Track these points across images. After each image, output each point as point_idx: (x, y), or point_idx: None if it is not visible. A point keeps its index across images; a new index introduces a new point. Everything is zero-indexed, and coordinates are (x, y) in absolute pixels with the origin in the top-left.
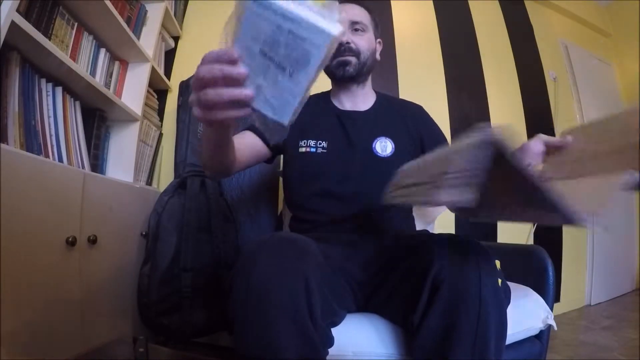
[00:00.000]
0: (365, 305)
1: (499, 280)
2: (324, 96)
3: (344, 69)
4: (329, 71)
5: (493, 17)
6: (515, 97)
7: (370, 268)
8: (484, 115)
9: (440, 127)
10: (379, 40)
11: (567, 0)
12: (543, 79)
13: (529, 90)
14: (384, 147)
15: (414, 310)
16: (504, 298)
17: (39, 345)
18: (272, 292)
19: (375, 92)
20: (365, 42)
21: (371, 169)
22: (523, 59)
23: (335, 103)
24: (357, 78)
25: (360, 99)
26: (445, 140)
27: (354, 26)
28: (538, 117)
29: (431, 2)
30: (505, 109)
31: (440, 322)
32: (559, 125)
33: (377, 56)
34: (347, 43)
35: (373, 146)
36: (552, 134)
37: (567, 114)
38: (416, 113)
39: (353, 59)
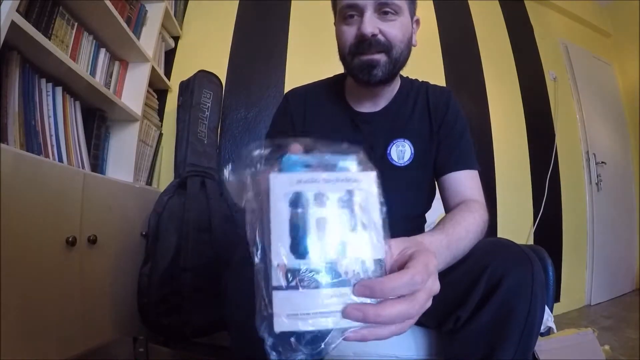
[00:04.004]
0: None
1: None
2: (337, 90)
3: (369, 73)
4: (349, 71)
5: (493, 17)
6: (515, 97)
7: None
8: (484, 115)
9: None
10: (416, 18)
11: (567, 0)
12: (543, 79)
13: (529, 90)
14: (401, 152)
15: (460, 306)
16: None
17: (39, 345)
18: None
19: (400, 76)
20: (399, 30)
21: (385, 181)
22: (523, 59)
23: (351, 102)
24: (386, 81)
25: (384, 98)
26: (463, 150)
27: (383, 8)
28: (538, 117)
29: (431, 2)
30: (505, 109)
31: (495, 315)
32: (559, 125)
33: (414, 41)
34: (374, 35)
35: (388, 152)
36: (552, 134)
37: (567, 114)
38: (439, 103)
39: (382, 58)
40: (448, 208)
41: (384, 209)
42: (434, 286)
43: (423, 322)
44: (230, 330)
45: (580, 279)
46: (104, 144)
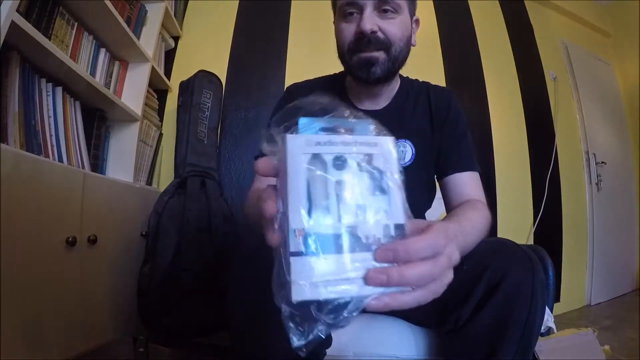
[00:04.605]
0: None
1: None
2: (338, 87)
3: (368, 71)
4: (348, 69)
5: (493, 17)
6: (515, 97)
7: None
8: (484, 115)
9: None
10: (415, 18)
11: (567, 0)
12: (543, 79)
13: (529, 90)
14: (402, 153)
15: (461, 305)
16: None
17: (39, 345)
18: (266, 293)
19: (399, 76)
20: (398, 29)
21: None
22: (523, 59)
23: (352, 99)
24: (385, 79)
25: (384, 97)
26: (465, 151)
27: (382, 6)
28: (538, 117)
29: (431, 2)
30: (505, 109)
31: (496, 315)
32: (559, 125)
33: (413, 41)
34: (373, 32)
35: None
36: (552, 134)
37: (567, 114)
38: (441, 104)
39: (381, 55)
40: (450, 209)
41: (402, 176)
42: (454, 255)
43: (423, 322)
44: (231, 330)
45: (580, 279)
46: (104, 144)
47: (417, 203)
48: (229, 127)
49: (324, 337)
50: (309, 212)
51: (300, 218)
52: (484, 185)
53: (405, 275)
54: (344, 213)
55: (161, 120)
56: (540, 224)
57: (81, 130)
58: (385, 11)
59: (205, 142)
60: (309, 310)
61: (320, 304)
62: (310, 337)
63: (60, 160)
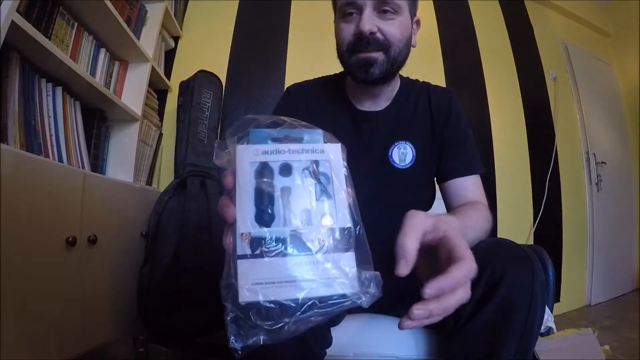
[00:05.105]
0: (374, 305)
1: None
2: (339, 87)
3: (366, 71)
4: (347, 69)
5: (493, 17)
6: (515, 97)
7: (385, 264)
8: (484, 115)
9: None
10: (416, 19)
11: (567, 0)
12: (543, 79)
13: (529, 90)
14: (402, 155)
15: (460, 305)
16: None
17: (39, 345)
18: None
19: (400, 76)
20: (397, 29)
21: (386, 183)
22: (523, 59)
23: (353, 100)
24: (383, 80)
25: (384, 98)
26: (466, 154)
27: (382, 7)
28: (538, 117)
29: (431, 2)
30: (505, 109)
31: (496, 315)
32: (559, 125)
33: (414, 42)
34: (372, 33)
35: (390, 154)
36: (552, 134)
37: (567, 114)
38: (442, 105)
39: (380, 56)
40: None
41: (350, 181)
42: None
43: None
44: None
45: (580, 279)
46: (104, 144)
47: (418, 204)
48: (229, 127)
49: (261, 343)
50: (256, 218)
51: (247, 223)
52: (484, 185)
53: (446, 307)
54: (290, 218)
55: (161, 120)
56: (540, 224)
57: (81, 130)
58: (385, 12)
59: (206, 142)
60: (249, 315)
61: (262, 310)
62: (249, 342)
63: (60, 160)
